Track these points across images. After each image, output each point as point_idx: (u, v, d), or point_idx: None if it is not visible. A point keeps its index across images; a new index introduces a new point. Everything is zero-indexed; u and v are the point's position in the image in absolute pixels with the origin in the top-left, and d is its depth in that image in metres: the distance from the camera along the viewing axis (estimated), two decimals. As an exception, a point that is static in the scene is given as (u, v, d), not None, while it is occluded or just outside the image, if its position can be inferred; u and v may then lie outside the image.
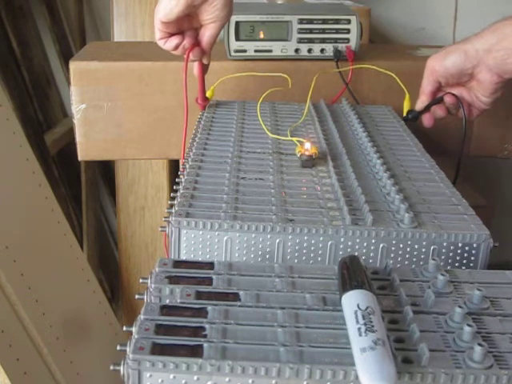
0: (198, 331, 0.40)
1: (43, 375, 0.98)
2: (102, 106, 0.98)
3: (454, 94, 0.83)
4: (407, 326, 0.42)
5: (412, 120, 0.85)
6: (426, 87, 0.83)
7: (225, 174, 0.65)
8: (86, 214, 1.58)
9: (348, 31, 0.98)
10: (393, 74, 0.87)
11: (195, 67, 0.83)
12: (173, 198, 0.59)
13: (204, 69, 0.84)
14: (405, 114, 0.87)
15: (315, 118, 0.83)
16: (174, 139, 0.99)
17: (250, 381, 0.37)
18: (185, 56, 0.79)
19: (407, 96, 0.87)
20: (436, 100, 0.84)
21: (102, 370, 1.07)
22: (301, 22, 0.97)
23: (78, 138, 1.00)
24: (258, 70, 0.92)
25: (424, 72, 0.83)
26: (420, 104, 0.85)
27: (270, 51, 0.98)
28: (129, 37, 1.36)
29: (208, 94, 0.86)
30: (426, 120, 0.85)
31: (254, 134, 0.77)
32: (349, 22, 0.97)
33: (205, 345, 0.38)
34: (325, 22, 0.97)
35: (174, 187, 0.62)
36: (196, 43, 0.79)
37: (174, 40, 0.77)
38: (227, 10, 0.76)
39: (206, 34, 0.79)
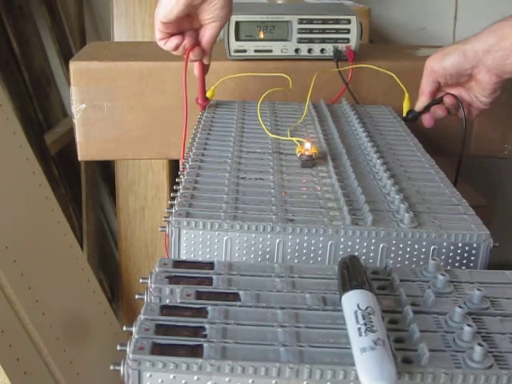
0: (198, 331, 0.40)
1: (43, 375, 0.98)
2: (101, 106, 0.98)
3: (453, 95, 0.83)
4: (407, 326, 0.42)
5: (412, 120, 0.85)
6: (426, 88, 0.83)
7: (225, 173, 0.65)
8: (86, 214, 1.58)
9: (348, 31, 0.98)
10: (393, 74, 0.87)
11: (195, 67, 0.83)
12: (173, 198, 0.59)
13: (204, 69, 0.84)
14: (404, 115, 0.87)
15: (315, 118, 0.83)
16: (174, 139, 0.99)
17: (250, 381, 0.37)
18: (185, 56, 0.79)
19: (407, 96, 0.87)
20: (435, 101, 0.84)
21: (101, 370, 1.07)
22: (301, 21, 0.97)
23: (78, 138, 1.00)
24: (258, 70, 0.92)
25: (423, 72, 0.83)
26: (419, 104, 0.85)
27: (270, 51, 0.98)
28: (129, 37, 1.36)
29: (208, 95, 0.86)
30: (426, 120, 0.85)
31: (254, 134, 0.77)
32: (349, 22, 0.97)
33: (205, 345, 0.38)
34: (325, 22, 0.97)
35: (174, 187, 0.62)
36: (196, 43, 0.79)
37: (174, 40, 0.77)
38: (227, 9, 0.76)
39: (206, 34, 0.79)
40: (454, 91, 0.83)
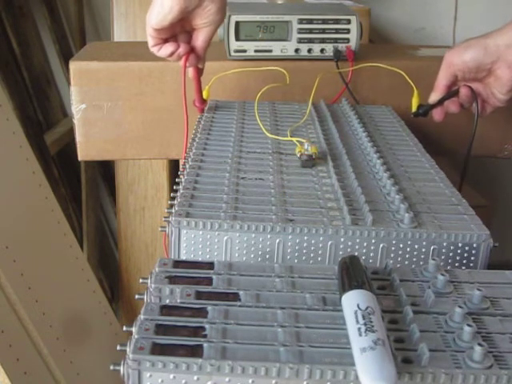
0: (197, 331, 0.40)
1: (43, 375, 0.98)
2: (101, 106, 0.98)
3: (469, 87, 0.81)
4: (407, 326, 0.42)
5: (423, 115, 0.83)
6: (441, 81, 0.81)
7: (225, 173, 0.65)
8: (86, 214, 1.58)
9: (348, 31, 0.98)
10: (401, 71, 0.85)
11: (190, 72, 0.83)
12: (173, 198, 0.59)
13: (199, 72, 0.84)
14: (414, 109, 0.85)
15: (315, 118, 0.83)
16: (174, 139, 0.99)
17: (250, 381, 0.37)
18: (181, 64, 0.79)
19: (416, 93, 0.84)
20: (451, 93, 0.82)
21: (102, 370, 1.07)
22: (301, 22, 0.97)
23: (78, 138, 1.00)
24: (258, 70, 0.92)
25: (441, 65, 0.81)
26: (433, 97, 0.82)
27: (270, 51, 0.98)
28: (129, 37, 1.36)
29: (204, 95, 0.86)
30: (437, 114, 0.83)
31: (254, 134, 0.77)
32: (349, 22, 0.97)
33: (205, 345, 0.38)
34: (325, 22, 0.97)
35: (174, 187, 0.62)
36: (190, 49, 0.79)
37: (169, 47, 0.77)
38: (221, 14, 0.76)
39: (200, 39, 0.78)
40: (470, 85, 0.81)
